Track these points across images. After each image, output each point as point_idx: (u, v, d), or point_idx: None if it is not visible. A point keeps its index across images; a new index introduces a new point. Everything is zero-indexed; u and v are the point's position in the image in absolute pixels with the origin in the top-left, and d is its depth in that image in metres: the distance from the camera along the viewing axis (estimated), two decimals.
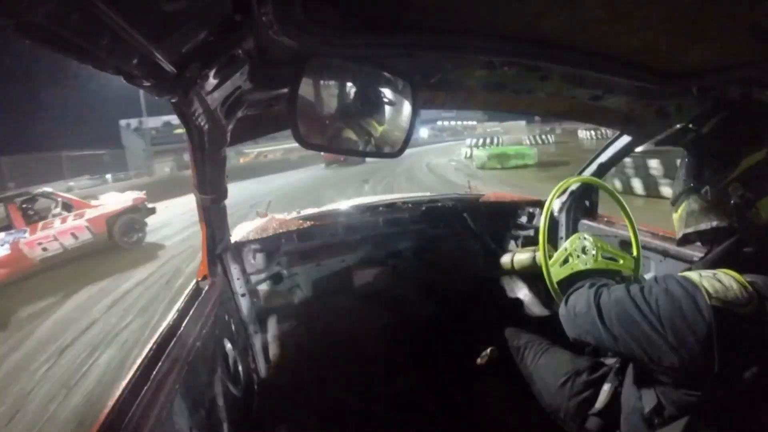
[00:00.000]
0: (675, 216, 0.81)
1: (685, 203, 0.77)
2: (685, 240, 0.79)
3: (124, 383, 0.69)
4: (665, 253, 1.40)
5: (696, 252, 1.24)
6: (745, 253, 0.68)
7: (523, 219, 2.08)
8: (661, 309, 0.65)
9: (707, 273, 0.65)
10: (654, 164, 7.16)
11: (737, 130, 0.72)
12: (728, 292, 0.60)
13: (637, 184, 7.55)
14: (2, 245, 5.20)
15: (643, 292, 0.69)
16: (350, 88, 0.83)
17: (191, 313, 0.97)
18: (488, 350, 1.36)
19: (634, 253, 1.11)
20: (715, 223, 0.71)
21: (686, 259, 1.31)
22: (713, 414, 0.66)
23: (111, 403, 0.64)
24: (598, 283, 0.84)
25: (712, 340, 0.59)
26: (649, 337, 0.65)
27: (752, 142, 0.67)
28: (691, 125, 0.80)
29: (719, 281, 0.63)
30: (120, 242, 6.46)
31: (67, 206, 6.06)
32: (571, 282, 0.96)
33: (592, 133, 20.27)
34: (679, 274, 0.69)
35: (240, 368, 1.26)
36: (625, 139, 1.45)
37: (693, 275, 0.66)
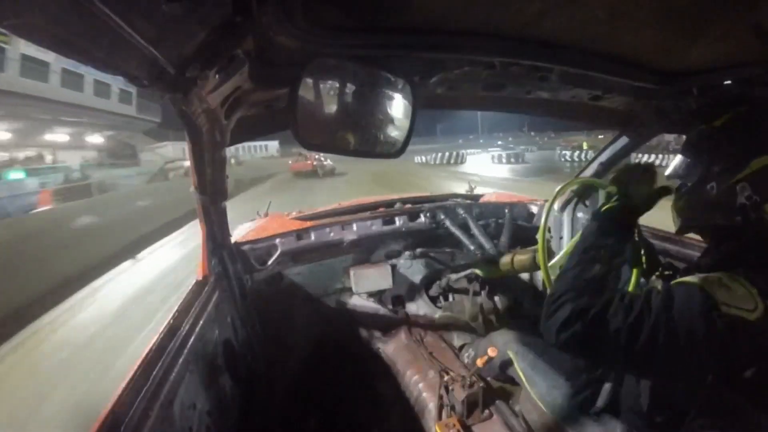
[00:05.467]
0: (676, 206, 0.80)
1: (687, 195, 0.76)
2: (686, 230, 0.79)
3: (124, 383, 0.68)
4: (665, 253, 1.40)
5: (695, 252, 1.24)
6: (749, 256, 0.67)
7: (524, 219, 2.08)
8: (671, 323, 0.61)
9: (711, 279, 0.63)
10: None
11: (752, 129, 0.70)
12: (735, 299, 0.59)
13: None
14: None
15: (646, 305, 0.63)
16: (350, 88, 0.82)
17: (191, 313, 0.97)
18: (489, 351, 1.36)
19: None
20: (718, 221, 0.70)
21: (686, 259, 1.31)
22: (713, 413, 0.66)
23: (111, 403, 0.64)
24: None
25: (725, 349, 0.58)
26: (660, 353, 0.61)
27: (764, 144, 0.66)
28: (703, 117, 0.78)
29: (725, 287, 0.61)
30: None
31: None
32: None
33: None
34: (681, 280, 0.66)
35: (240, 368, 1.26)
36: (625, 139, 1.45)
37: (698, 282, 0.63)
